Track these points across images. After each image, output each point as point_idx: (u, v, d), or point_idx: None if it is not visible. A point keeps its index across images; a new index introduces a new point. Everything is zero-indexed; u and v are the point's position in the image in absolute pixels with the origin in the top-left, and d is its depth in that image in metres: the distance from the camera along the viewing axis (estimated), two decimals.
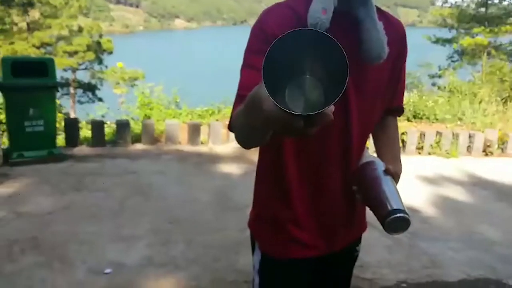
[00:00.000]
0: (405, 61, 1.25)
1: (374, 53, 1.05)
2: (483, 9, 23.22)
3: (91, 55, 22.14)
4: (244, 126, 0.90)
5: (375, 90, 1.15)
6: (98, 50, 22.97)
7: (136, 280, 2.71)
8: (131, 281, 2.70)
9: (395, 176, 1.16)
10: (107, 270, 2.78)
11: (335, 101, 0.59)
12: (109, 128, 6.21)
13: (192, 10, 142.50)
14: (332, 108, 0.62)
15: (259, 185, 1.28)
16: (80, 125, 5.84)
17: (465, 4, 23.85)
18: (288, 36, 0.63)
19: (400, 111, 1.34)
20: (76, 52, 22.24)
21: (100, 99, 19.60)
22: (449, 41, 23.53)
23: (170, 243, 3.18)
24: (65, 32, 22.69)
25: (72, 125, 5.35)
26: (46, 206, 3.67)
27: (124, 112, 8.48)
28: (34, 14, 22.40)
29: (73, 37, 22.85)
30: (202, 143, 5.79)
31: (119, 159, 4.98)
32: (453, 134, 6.15)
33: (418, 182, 4.84)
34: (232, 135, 4.96)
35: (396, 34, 1.16)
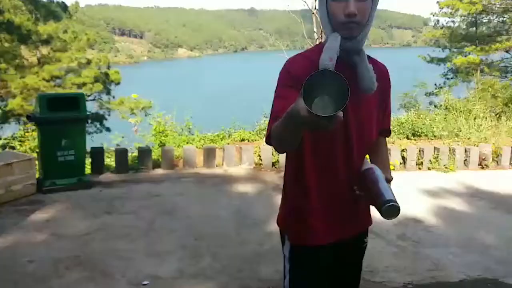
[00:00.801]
0: (389, 94, 1.70)
1: (367, 86, 1.49)
2: (473, 29, 23.95)
3: (99, 86, 22.75)
4: (282, 133, 1.31)
5: (368, 113, 1.58)
6: (106, 81, 23.63)
7: None
8: None
9: (388, 180, 1.58)
10: (145, 282, 3.14)
11: (343, 107, 1.04)
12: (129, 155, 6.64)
13: (195, 39, 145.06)
14: (341, 113, 1.06)
15: (286, 188, 1.68)
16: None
17: (456, 25, 24.61)
18: (315, 74, 1.08)
19: (388, 132, 1.77)
20: (84, 84, 22.86)
21: (108, 129, 20.12)
22: (443, 60, 24.28)
23: (197, 256, 3.55)
24: (74, 65, 23.40)
25: (98, 154, 5.78)
26: (82, 228, 4.06)
27: (138, 140, 8.93)
28: (44, 49, 23.16)
29: (81, 69, 23.54)
30: (217, 165, 6.20)
31: (143, 183, 5.39)
32: (450, 149, 6.55)
33: (419, 195, 5.21)
34: (244, 157, 5.40)
35: (381, 73, 1.60)
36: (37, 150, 5.52)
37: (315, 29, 9.07)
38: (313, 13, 9.30)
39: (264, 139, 1.51)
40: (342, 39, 1.45)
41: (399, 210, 1.43)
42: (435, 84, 22.74)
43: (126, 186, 5.28)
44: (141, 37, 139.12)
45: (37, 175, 5.13)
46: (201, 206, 4.69)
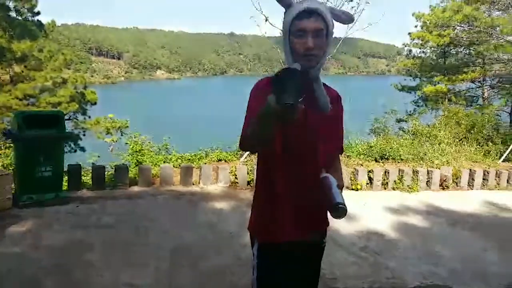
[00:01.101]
0: (341, 117, 2.04)
1: (324, 107, 1.83)
2: (442, 60, 25.13)
3: (74, 106, 22.67)
4: (255, 130, 1.62)
5: (327, 130, 1.90)
6: (82, 101, 23.57)
7: None
8: None
9: (340, 186, 1.87)
10: None
11: (300, 99, 1.38)
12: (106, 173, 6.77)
13: (174, 61, 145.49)
14: (301, 105, 1.39)
15: (257, 195, 1.97)
16: None
17: (426, 55, 25.78)
18: (282, 70, 1.43)
19: (341, 150, 2.10)
20: (59, 103, 22.75)
21: (83, 149, 20.03)
22: (413, 88, 25.31)
23: (174, 268, 3.74)
24: (49, 84, 23.26)
25: (75, 171, 5.92)
26: (59, 241, 4.19)
27: (114, 159, 9.04)
28: (18, 67, 23.00)
29: (57, 88, 23.42)
30: (193, 184, 6.41)
31: (119, 199, 5.56)
32: (413, 171, 6.94)
33: (383, 212, 5.54)
34: (221, 176, 5.64)
35: (333, 98, 1.92)
36: (13, 167, 5.61)
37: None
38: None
39: (238, 144, 1.80)
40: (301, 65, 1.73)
41: (346, 211, 1.73)
42: (406, 111, 23.64)
43: (103, 202, 5.43)
44: (118, 58, 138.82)
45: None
46: (178, 221, 4.89)
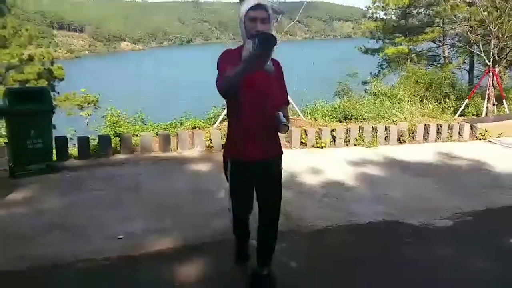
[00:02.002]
0: (283, 78, 2.87)
1: (269, 69, 2.53)
2: (403, 21, 25.76)
3: (43, 83, 22.45)
4: (230, 80, 2.47)
5: (273, 87, 2.74)
6: (49, 78, 23.34)
7: (142, 241, 3.82)
8: (139, 242, 3.81)
9: (286, 117, 2.70)
10: (120, 236, 3.89)
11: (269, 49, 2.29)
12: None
13: (138, 33, 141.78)
14: (269, 53, 2.34)
15: (229, 129, 2.84)
16: None
17: (388, 17, 26.34)
18: (258, 33, 2.31)
19: (287, 102, 2.93)
20: (27, 81, 22.51)
21: (54, 126, 20.05)
22: (377, 50, 25.93)
23: (160, 218, 4.31)
24: (15, 61, 22.86)
25: (62, 142, 6.34)
26: (56, 203, 4.68)
27: (90, 133, 9.41)
28: None
29: (23, 65, 23.04)
30: (172, 150, 6.93)
31: (105, 167, 6.04)
32: (372, 128, 7.64)
33: (344, 165, 6.22)
34: (197, 141, 6.19)
35: (275, 63, 2.69)
36: (6, 140, 6.01)
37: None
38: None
39: (218, 88, 2.61)
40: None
41: (288, 127, 2.58)
42: (371, 73, 24.42)
43: (90, 170, 5.90)
44: (81, 31, 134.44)
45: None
46: (160, 182, 5.43)
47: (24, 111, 5.40)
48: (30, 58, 23.07)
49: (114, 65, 76.28)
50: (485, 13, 14.11)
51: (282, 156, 2.93)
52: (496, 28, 12.96)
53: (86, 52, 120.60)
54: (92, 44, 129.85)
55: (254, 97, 2.67)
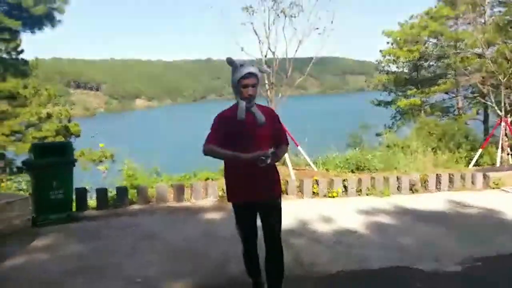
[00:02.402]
0: (278, 121, 3.33)
1: (260, 121, 3.02)
2: (415, 73, 26.27)
3: (60, 139, 23.15)
4: (219, 155, 3.19)
5: (266, 136, 3.10)
6: (66, 134, 24.08)
7: (160, 284, 3.95)
8: (155, 285, 3.94)
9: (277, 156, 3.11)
10: (138, 280, 4.02)
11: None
12: None
13: (153, 90, 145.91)
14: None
15: (225, 176, 3.28)
16: None
17: (399, 70, 26.88)
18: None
19: (287, 143, 3.33)
20: (45, 137, 23.23)
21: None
22: (389, 103, 26.30)
23: (177, 263, 4.45)
24: (34, 119, 23.72)
25: (81, 193, 6.59)
26: (77, 249, 4.87)
27: (107, 186, 9.68)
28: (3, 105, 23.46)
29: (41, 123, 23.87)
30: (186, 200, 7.11)
31: (123, 216, 6.24)
32: (384, 178, 7.76)
33: (356, 214, 6.31)
34: (210, 191, 6.38)
35: (267, 112, 3.19)
36: (30, 191, 6.28)
37: (266, 81, 10.33)
38: (266, 63, 10.58)
39: (203, 148, 3.14)
40: (245, 103, 3.17)
41: (264, 163, 3.00)
42: (385, 125, 24.69)
43: (108, 219, 6.10)
44: (97, 89, 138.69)
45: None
46: (175, 230, 5.59)
47: (48, 163, 5.69)
48: (49, 116, 23.91)
49: (129, 122, 78.03)
50: (495, 64, 14.47)
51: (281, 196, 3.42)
52: (506, 78, 13.27)
53: (102, 109, 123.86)
54: (108, 102, 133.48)
55: (247, 150, 3.07)
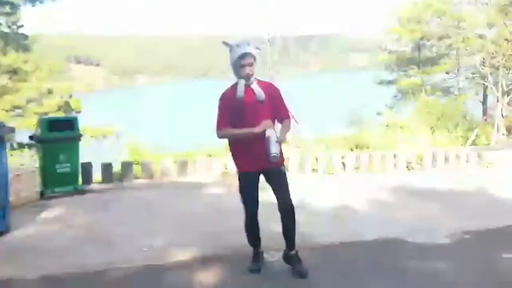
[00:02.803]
0: (279, 96, 3.51)
1: (259, 97, 3.22)
2: (417, 53, 26.18)
3: (61, 115, 23.27)
4: (231, 135, 3.49)
5: (267, 111, 3.29)
6: (67, 110, 24.19)
7: (165, 253, 4.18)
8: (161, 253, 4.17)
9: (280, 140, 3.28)
10: (145, 249, 4.26)
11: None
12: None
13: (154, 66, 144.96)
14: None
15: (230, 149, 3.59)
16: None
17: (402, 49, 26.80)
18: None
19: (288, 117, 3.47)
20: (46, 113, 23.32)
21: None
22: (391, 82, 26.31)
23: (181, 234, 4.68)
24: (34, 94, 23.76)
25: (87, 167, 6.80)
26: (86, 219, 5.12)
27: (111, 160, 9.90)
28: (3, 80, 23.49)
29: (43, 98, 23.94)
30: (189, 175, 7.33)
31: (128, 190, 6.47)
32: (381, 156, 7.97)
33: (354, 190, 6.55)
34: (213, 167, 6.58)
35: (267, 87, 3.35)
36: (38, 165, 6.49)
37: (268, 59, 10.44)
38: (268, 41, 10.68)
39: (216, 133, 3.48)
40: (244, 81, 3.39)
41: (277, 158, 3.20)
42: (386, 105, 24.80)
43: (114, 192, 6.35)
44: (97, 65, 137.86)
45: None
46: (179, 203, 5.83)
47: (56, 137, 5.88)
48: (49, 91, 23.95)
49: (131, 98, 77.92)
50: (495, 45, 14.53)
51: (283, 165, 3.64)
52: (504, 60, 13.37)
53: (102, 86, 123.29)
54: (108, 78, 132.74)
55: (250, 125, 3.36)
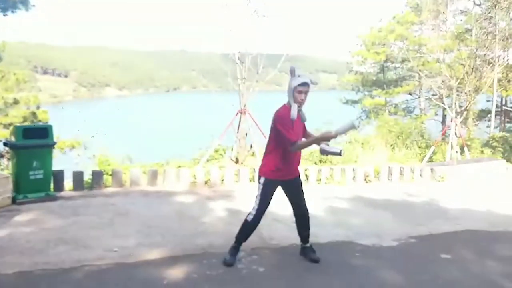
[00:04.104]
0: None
1: (303, 120, 4.02)
2: (381, 75, 27.46)
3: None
4: (302, 147, 4.18)
5: (304, 129, 4.02)
6: (34, 121, 23.91)
7: (135, 252, 4.49)
8: (131, 253, 4.47)
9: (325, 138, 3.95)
10: (115, 249, 4.55)
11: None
12: None
13: (124, 79, 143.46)
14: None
15: (270, 157, 4.16)
16: None
17: (368, 71, 28.12)
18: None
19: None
20: (11, 124, 22.97)
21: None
22: (356, 102, 27.42)
23: (150, 236, 4.99)
24: (0, 105, 23.40)
25: (58, 174, 7.00)
26: (58, 223, 5.33)
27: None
28: None
29: (8, 109, 23.60)
30: (158, 184, 7.62)
31: (98, 197, 6.70)
32: (341, 169, 8.49)
33: (315, 199, 6.91)
34: (182, 177, 6.91)
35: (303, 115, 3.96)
36: (11, 171, 6.65)
37: (238, 75, 10.89)
38: (238, 58, 11.10)
39: (291, 148, 4.01)
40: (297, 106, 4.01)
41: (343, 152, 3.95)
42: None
43: (85, 199, 6.56)
44: (65, 76, 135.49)
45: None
46: (149, 209, 6.12)
47: (30, 144, 6.10)
48: (15, 102, 23.62)
49: (99, 110, 77.01)
50: (450, 69, 15.51)
51: None
52: (457, 83, 14.31)
53: (70, 97, 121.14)
54: (76, 90, 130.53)
55: (298, 137, 4.05)
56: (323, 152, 4.12)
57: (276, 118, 4.03)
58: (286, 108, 4.02)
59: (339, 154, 4.04)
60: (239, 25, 11.08)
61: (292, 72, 3.96)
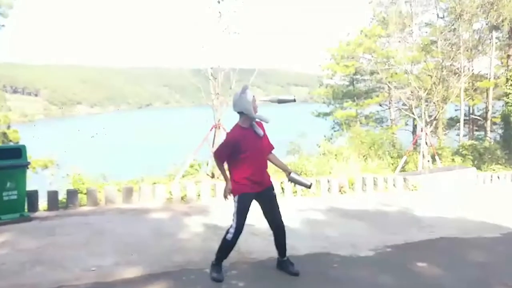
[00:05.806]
0: (265, 133, 4.15)
1: (259, 133, 3.95)
2: (352, 87, 28.09)
3: None
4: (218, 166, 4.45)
5: (263, 144, 4.01)
6: (4, 141, 23.39)
7: (113, 271, 4.46)
8: (109, 272, 4.45)
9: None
10: (93, 268, 4.52)
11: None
12: None
13: (95, 96, 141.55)
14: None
15: (232, 176, 4.24)
16: None
17: (338, 83, 28.70)
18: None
19: (272, 148, 4.23)
20: None
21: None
22: (328, 114, 27.89)
23: (127, 254, 4.97)
24: None
25: (33, 195, 6.89)
26: (33, 245, 5.24)
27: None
28: None
29: None
30: (134, 202, 7.58)
31: (74, 216, 6.63)
32: (316, 181, 8.62)
33: (291, 211, 7.04)
34: (157, 194, 6.91)
35: (260, 126, 4.03)
36: None
37: (211, 90, 10.99)
38: (211, 74, 11.20)
39: (214, 157, 4.41)
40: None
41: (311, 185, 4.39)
42: (324, 136, 26.08)
43: (60, 219, 6.47)
44: (36, 95, 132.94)
45: None
46: (125, 227, 6.08)
47: (3, 165, 6.01)
48: None
49: (70, 128, 75.70)
50: (418, 80, 16.04)
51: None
52: (426, 93, 14.79)
53: (41, 116, 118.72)
54: (47, 108, 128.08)
55: (255, 154, 4.12)
56: (292, 180, 4.31)
57: (226, 138, 4.42)
58: (238, 128, 4.19)
59: (309, 187, 4.29)
60: (210, 41, 11.21)
61: (244, 90, 4.14)
